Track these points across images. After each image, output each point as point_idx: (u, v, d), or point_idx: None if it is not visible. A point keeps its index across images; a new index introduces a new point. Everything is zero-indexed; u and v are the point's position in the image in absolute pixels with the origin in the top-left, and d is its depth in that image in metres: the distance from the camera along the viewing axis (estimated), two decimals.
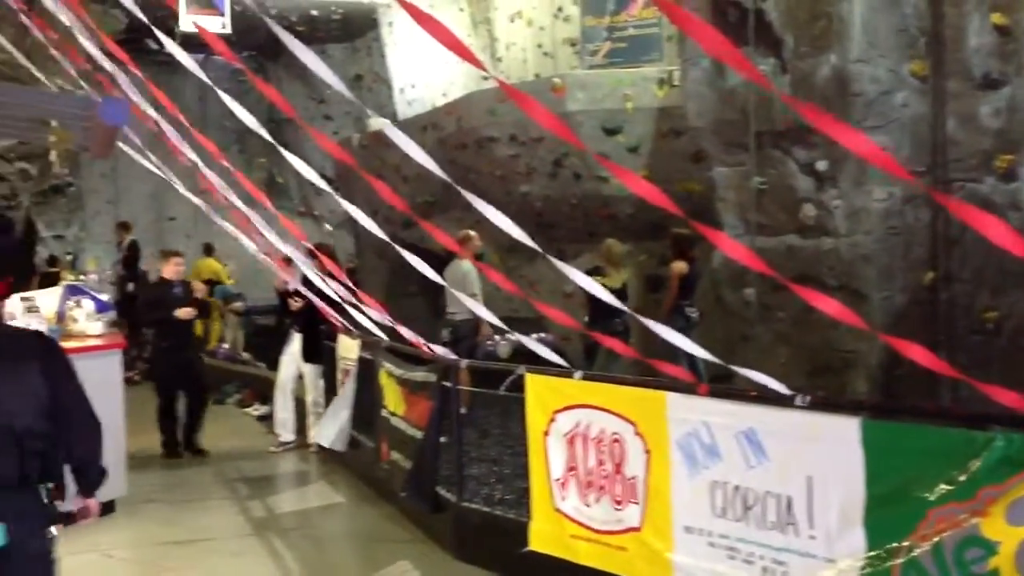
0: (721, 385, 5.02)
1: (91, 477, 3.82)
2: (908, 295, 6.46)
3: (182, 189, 9.28)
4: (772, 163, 7.00)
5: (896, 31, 6.64)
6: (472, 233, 9.26)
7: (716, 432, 4.50)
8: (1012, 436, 3.48)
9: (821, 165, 6.66)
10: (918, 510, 3.63)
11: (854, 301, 5.84)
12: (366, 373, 7.92)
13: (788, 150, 6.84)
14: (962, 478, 3.50)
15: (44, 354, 3.59)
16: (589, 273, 8.50)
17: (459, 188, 5.44)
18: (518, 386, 5.59)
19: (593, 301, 8.04)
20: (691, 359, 7.10)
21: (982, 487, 3.45)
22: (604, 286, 8.20)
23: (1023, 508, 3.37)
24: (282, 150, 7.39)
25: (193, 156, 8.12)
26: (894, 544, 3.71)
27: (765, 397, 4.44)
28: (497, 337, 9.39)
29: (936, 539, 3.56)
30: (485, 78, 14.02)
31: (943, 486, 3.55)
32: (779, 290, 6.76)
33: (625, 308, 5.42)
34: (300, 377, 9.42)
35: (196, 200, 9.20)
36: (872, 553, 3.81)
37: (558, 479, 5.33)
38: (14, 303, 6.89)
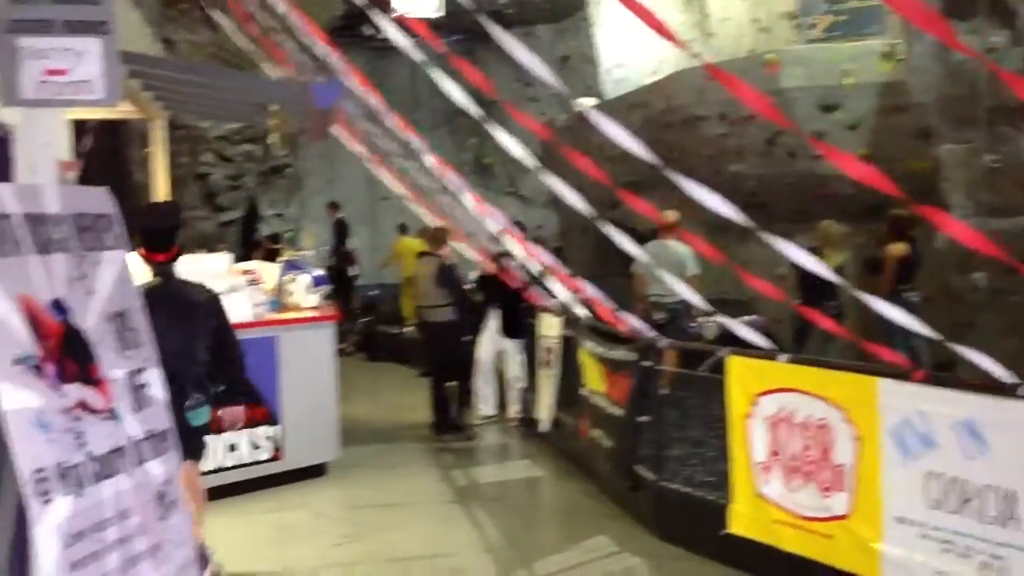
0: (940, 373, 4.79)
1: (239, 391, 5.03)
2: None
3: (386, 180, 9.62)
4: (1005, 140, 6.57)
5: None
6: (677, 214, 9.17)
7: (932, 421, 4.33)
8: None
9: None
10: None
11: None
12: (567, 351, 8.01)
13: (1021, 126, 6.41)
14: None
15: (210, 300, 4.59)
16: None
17: (665, 168, 5.42)
18: (722, 368, 5.52)
19: (806, 283, 7.82)
20: (910, 347, 6.78)
21: None
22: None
23: None
24: (488, 126, 7.56)
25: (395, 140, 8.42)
26: None
27: (986, 386, 4.23)
28: (703, 319, 9.27)
29: None
30: (695, 55, 13.86)
31: None
32: (1012, 273, 6.35)
33: (843, 283, 5.22)
34: (501, 353, 9.61)
35: (392, 184, 9.47)
36: None
37: (760, 463, 5.25)
38: (238, 276, 7.35)
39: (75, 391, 2.45)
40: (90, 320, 2.64)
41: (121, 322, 2.80)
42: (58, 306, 2.52)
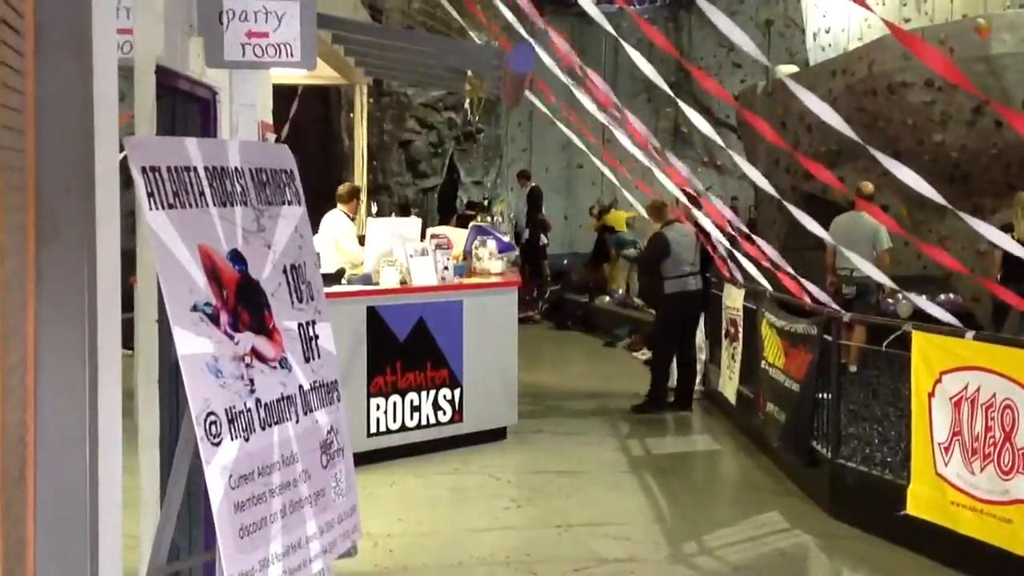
0: None
1: None
2: None
3: (576, 140, 9.69)
4: None
5: None
6: (871, 187, 8.86)
7: None
8: None
9: None
10: None
11: None
12: (749, 323, 7.92)
13: None
14: None
15: None
16: (1005, 229, 7.84)
17: (862, 142, 5.29)
18: (907, 344, 5.36)
19: (1007, 259, 7.43)
20: None
21: None
22: (1019, 241, 7.55)
23: None
24: (679, 101, 7.53)
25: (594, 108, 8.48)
26: None
27: None
28: (898, 295, 8.95)
29: None
30: (904, 19, 13.25)
31: None
32: None
33: None
34: None
35: (590, 154, 9.50)
36: None
37: (941, 443, 5.09)
38: (427, 240, 7.65)
39: (248, 339, 2.63)
40: (265, 272, 2.81)
41: (296, 275, 2.95)
42: (236, 257, 2.68)
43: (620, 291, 14.27)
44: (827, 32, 15.24)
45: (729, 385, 8.40)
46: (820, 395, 6.29)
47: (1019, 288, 6.93)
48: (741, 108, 9.49)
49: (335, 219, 8.20)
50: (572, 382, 10.33)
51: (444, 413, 7.25)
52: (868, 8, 5.20)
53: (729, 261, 8.45)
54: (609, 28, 7.51)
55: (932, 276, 10.48)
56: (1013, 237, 7.61)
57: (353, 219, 8.47)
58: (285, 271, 2.93)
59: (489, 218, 9.90)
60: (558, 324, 14.34)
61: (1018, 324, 7.73)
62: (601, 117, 9.19)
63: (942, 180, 9.24)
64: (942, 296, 10.29)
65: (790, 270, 6.81)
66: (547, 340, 13.06)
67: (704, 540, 5.64)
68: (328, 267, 6.92)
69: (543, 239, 15.20)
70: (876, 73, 11.14)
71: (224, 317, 2.57)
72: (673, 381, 8.96)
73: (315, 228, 7.15)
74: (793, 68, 13.44)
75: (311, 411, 2.89)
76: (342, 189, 8.56)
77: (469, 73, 8.24)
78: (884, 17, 13.38)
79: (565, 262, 17.37)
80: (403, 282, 7.14)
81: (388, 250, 7.29)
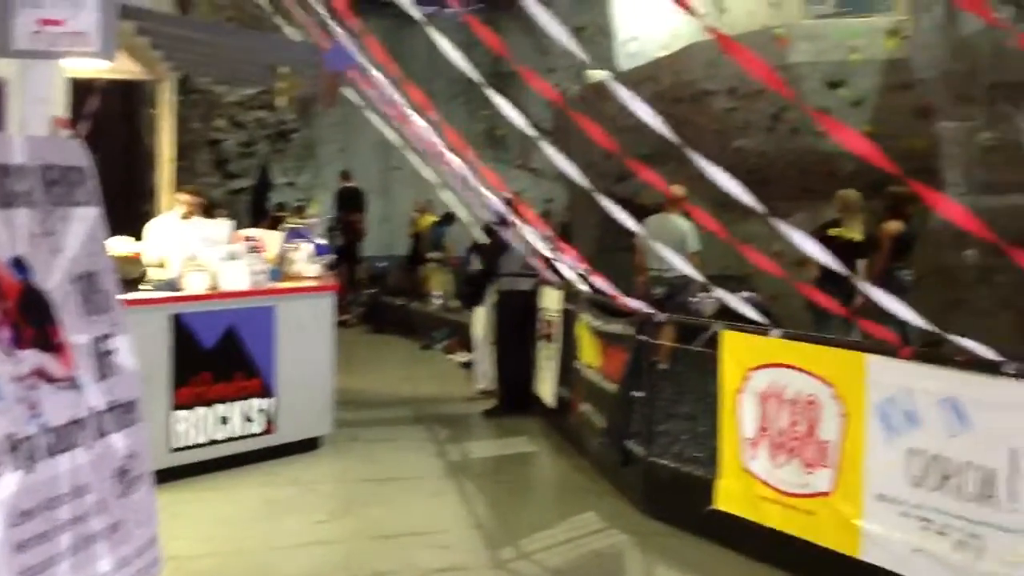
0: (927, 350, 4.78)
1: None
2: None
3: (392, 137, 9.55)
4: (1003, 118, 6.52)
5: None
6: (683, 190, 9.14)
7: (917, 398, 4.33)
8: None
9: None
10: None
11: None
12: (565, 324, 8.01)
13: (1021, 104, 6.35)
14: None
15: None
16: (828, 225, 8.27)
17: (683, 145, 5.39)
18: (716, 343, 5.51)
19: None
20: (901, 323, 6.74)
21: None
22: (844, 238, 7.99)
23: None
24: (493, 97, 7.52)
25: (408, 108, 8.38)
26: None
27: (972, 363, 4.22)
28: (702, 294, 9.25)
29: None
30: (702, 30, 13.74)
31: None
32: (1002, 252, 6.31)
33: (839, 268, 5.18)
34: None
35: (406, 151, 9.43)
36: None
37: (749, 438, 5.26)
38: (238, 243, 7.36)
39: (32, 357, 2.39)
40: (53, 280, 2.56)
41: (88, 284, 2.70)
42: (18, 264, 2.43)
43: (438, 294, 14.24)
44: (635, 40, 15.67)
45: (545, 386, 8.47)
46: (634, 394, 6.40)
47: (837, 287, 7.32)
48: (568, 108, 9.58)
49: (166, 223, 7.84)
50: (389, 387, 10.19)
51: (256, 424, 6.96)
52: (688, 11, 5.30)
53: (546, 263, 8.52)
54: (419, 19, 7.41)
55: (733, 275, 10.91)
56: (834, 235, 8.08)
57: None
58: (76, 279, 2.65)
59: (303, 220, 9.63)
60: (375, 328, 14.18)
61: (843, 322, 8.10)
62: (417, 118, 9.10)
63: (744, 184, 9.62)
64: (744, 293, 10.71)
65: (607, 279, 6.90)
66: (364, 344, 12.87)
67: (522, 544, 5.62)
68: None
69: (359, 241, 15.01)
70: (683, 81, 11.53)
71: (4, 333, 2.32)
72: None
73: (121, 232, 6.78)
74: (604, 74, 13.72)
75: (106, 435, 2.64)
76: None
77: (283, 70, 7.98)
78: (685, 27, 13.95)
79: (382, 264, 17.19)
80: (212, 288, 6.84)
81: (193, 254, 6.96)
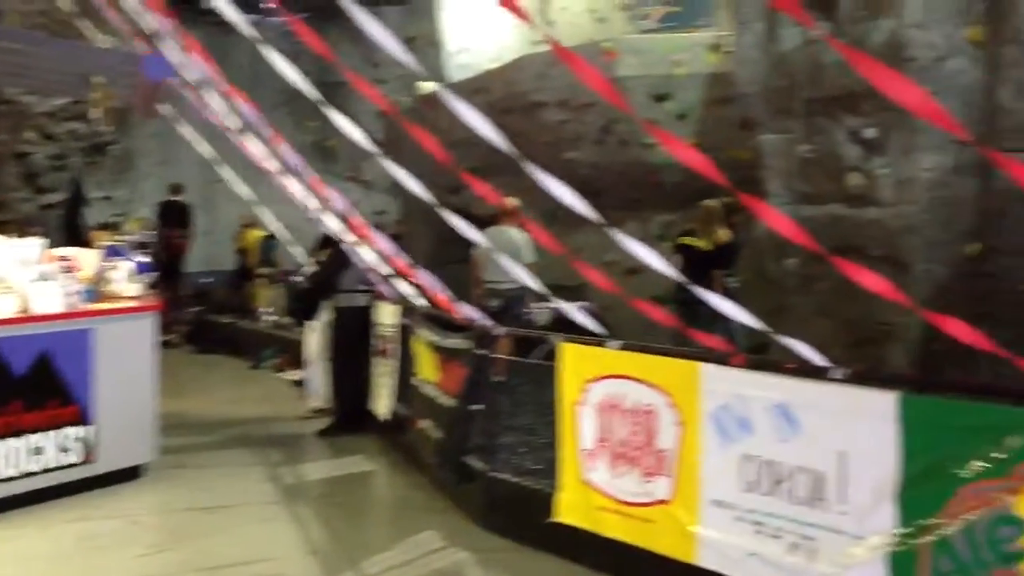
0: (757, 356, 4.91)
1: None
2: (951, 267, 6.27)
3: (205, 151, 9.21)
4: (820, 131, 6.80)
5: None
6: (517, 202, 9.17)
7: (750, 404, 4.40)
8: None
9: (869, 133, 6.46)
10: (951, 487, 3.53)
11: (896, 272, 5.66)
12: (402, 340, 7.89)
13: (837, 117, 6.65)
14: (998, 455, 3.38)
15: None
16: (683, 234, 8.47)
17: (517, 156, 5.36)
18: (556, 355, 5.50)
19: (687, 264, 7.97)
20: (728, 331, 6.95)
21: (1018, 464, 3.33)
22: (695, 247, 8.19)
23: None
24: (326, 109, 7.33)
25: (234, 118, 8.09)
26: (925, 522, 3.61)
27: (801, 369, 4.35)
28: (536, 304, 9.30)
29: (967, 517, 3.45)
30: (537, 42, 13.88)
31: (978, 463, 3.44)
32: (821, 260, 6.59)
33: (675, 274, 5.26)
34: None
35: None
36: (902, 530, 3.70)
37: (588, 450, 5.26)
38: (50, 263, 6.91)
39: None
40: None
41: None
42: None
43: (268, 310, 13.85)
44: (465, 52, 15.70)
45: (382, 403, 8.32)
46: (473, 408, 6.34)
47: (728, 272, 7.50)
48: (401, 119, 9.47)
49: None
50: (217, 409, 9.79)
51: (73, 454, 6.51)
52: (525, 20, 5.28)
53: (381, 278, 8.39)
54: (243, 30, 7.16)
55: (567, 286, 11.03)
56: (686, 243, 8.27)
57: None
58: None
59: (122, 236, 9.16)
60: (201, 347, 13.66)
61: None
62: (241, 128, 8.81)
63: (576, 197, 9.76)
64: (578, 304, 10.84)
65: (445, 292, 6.83)
66: (189, 365, 12.35)
67: (362, 567, 5.45)
68: None
69: (181, 257, 14.45)
70: (514, 92, 11.61)
71: None
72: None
73: None
74: (435, 85, 13.68)
75: None
76: None
77: (98, 80, 7.56)
78: (514, 39, 14.08)
79: (208, 281, 16.59)
80: (23, 311, 6.39)
81: (1, 275, 6.48)
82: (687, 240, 8.42)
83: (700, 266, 7.81)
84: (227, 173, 10.55)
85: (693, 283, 7.64)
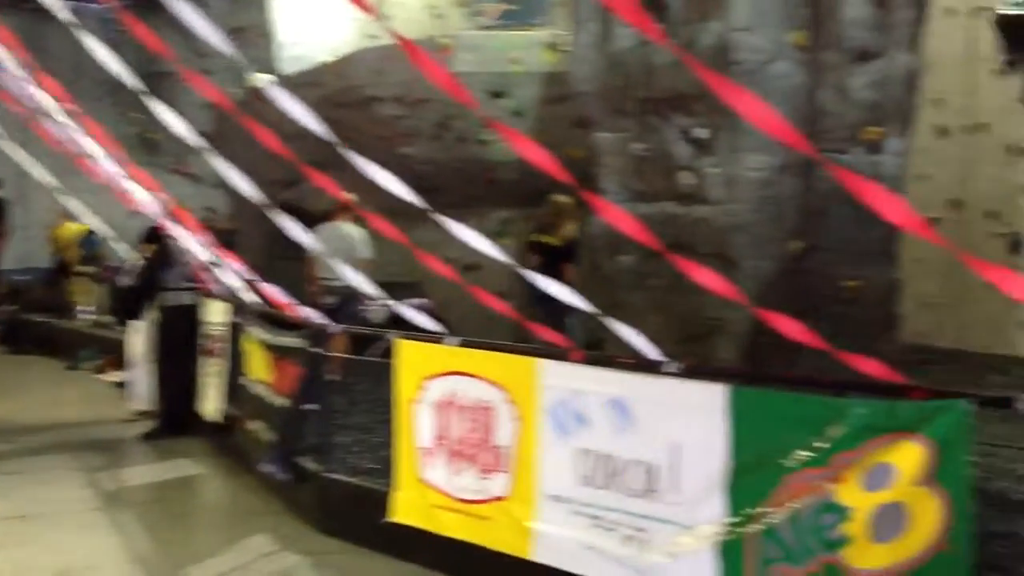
0: (594, 352, 4.96)
1: None
2: (776, 264, 6.52)
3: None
4: (653, 130, 6.95)
5: (779, 1, 6.61)
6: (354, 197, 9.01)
7: (586, 399, 4.43)
8: (870, 403, 3.50)
9: (700, 133, 6.64)
10: (777, 477, 3.63)
11: (725, 269, 5.82)
12: (232, 339, 7.63)
13: (669, 117, 6.81)
14: (821, 445, 3.50)
15: None
16: (536, 231, 8.49)
17: (346, 151, 5.25)
18: (393, 353, 5.41)
19: (541, 261, 8.02)
20: (565, 327, 7.04)
21: (838, 453, 3.47)
22: (546, 243, 8.25)
23: (877, 474, 3.39)
24: (149, 100, 7.01)
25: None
26: (753, 510, 3.71)
27: (635, 364, 4.40)
28: (370, 302, 9.17)
29: (793, 505, 3.57)
30: (372, 36, 13.71)
31: (803, 453, 3.55)
32: (654, 257, 6.73)
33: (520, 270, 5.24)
34: None
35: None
36: (731, 520, 3.79)
37: (425, 448, 5.19)
38: None
39: None
40: None
41: None
42: None
43: (87, 309, 13.21)
44: (297, 44, 15.37)
45: (211, 404, 8.03)
46: (307, 408, 6.18)
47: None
48: (233, 111, 9.15)
49: None
50: (32, 413, 9.24)
51: None
52: (367, 11, 5.17)
53: (210, 274, 8.09)
54: (61, 16, 6.79)
55: (403, 282, 10.95)
56: (538, 240, 8.30)
57: None
58: None
59: None
60: (15, 348, 12.92)
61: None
62: (60, 119, 8.35)
63: (412, 192, 9.71)
64: (416, 300, 10.78)
65: (277, 289, 6.64)
66: (2, 367, 11.64)
67: (189, 575, 5.24)
68: None
69: None
70: (349, 86, 11.41)
71: None
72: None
73: None
74: (268, 77, 13.34)
75: None
76: None
77: None
78: (349, 32, 13.87)
79: (23, 279, 15.66)
80: None
81: None
82: (540, 237, 8.48)
83: (553, 262, 7.90)
84: (34, 166, 10.00)
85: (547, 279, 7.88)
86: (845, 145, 6.38)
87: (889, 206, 3.59)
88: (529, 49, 10.33)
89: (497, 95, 10.21)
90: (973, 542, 3.27)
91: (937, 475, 3.29)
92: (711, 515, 3.87)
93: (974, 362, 10.19)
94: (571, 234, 8.39)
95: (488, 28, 11.60)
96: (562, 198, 8.48)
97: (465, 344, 5.16)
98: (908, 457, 3.33)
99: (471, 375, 4.98)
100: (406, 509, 5.22)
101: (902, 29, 6.58)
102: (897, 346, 6.95)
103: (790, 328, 4.05)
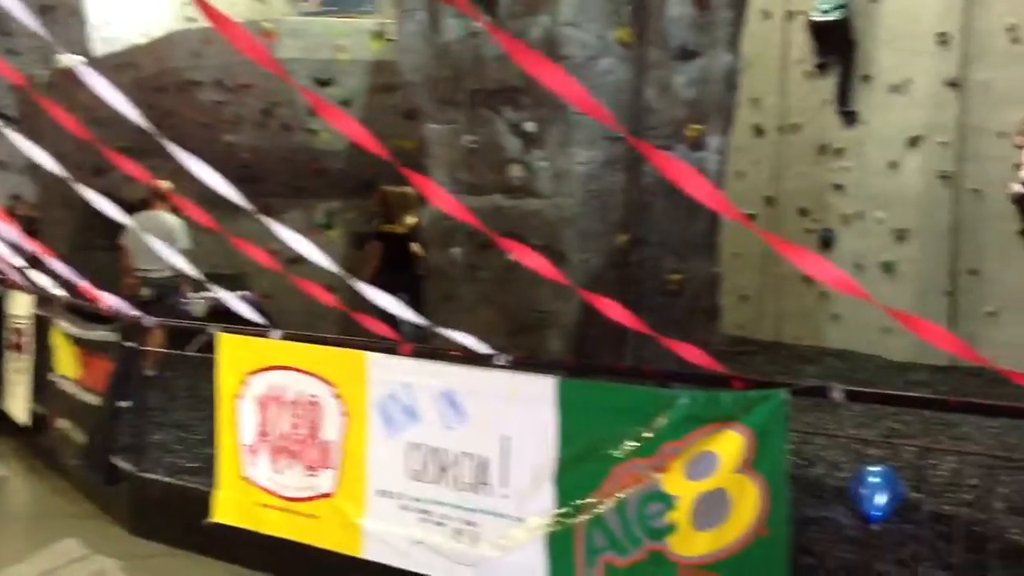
0: (424, 345, 4.91)
1: None
2: (604, 257, 6.62)
3: None
4: (482, 122, 6.93)
5: None
6: (170, 185, 8.65)
7: (416, 393, 4.39)
8: (694, 393, 3.59)
9: (529, 126, 6.67)
10: (606, 467, 3.68)
11: (555, 262, 5.86)
12: (39, 333, 7.20)
13: (498, 110, 6.80)
14: (647, 435, 3.57)
15: None
16: (382, 222, 8.38)
17: (162, 137, 5.00)
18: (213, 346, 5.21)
19: (386, 252, 8.15)
20: (397, 321, 6.97)
21: (664, 443, 3.54)
22: (394, 233, 8.14)
23: (701, 463, 3.48)
24: None
25: None
26: (581, 501, 3.75)
27: (466, 357, 4.39)
28: (192, 295, 8.85)
29: (620, 495, 3.62)
30: (189, 18, 13.23)
31: (630, 443, 3.61)
32: (484, 250, 6.75)
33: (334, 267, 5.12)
34: None
35: None
36: (560, 511, 3.82)
37: (249, 445, 5.03)
38: None
39: None
40: None
41: None
42: None
43: None
44: (110, 24, 14.72)
45: (16, 402, 7.56)
46: (121, 405, 5.89)
47: (395, 277, 7.45)
48: (34, 94, 8.62)
49: None
50: None
51: None
52: None
53: (10, 265, 7.61)
54: None
55: (225, 274, 10.62)
56: (386, 231, 8.18)
57: None
58: None
59: None
60: None
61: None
62: None
63: (234, 181, 9.43)
64: (237, 293, 10.47)
65: (86, 281, 6.30)
66: None
67: None
68: None
69: None
70: (166, 70, 10.96)
71: None
72: None
73: None
74: (78, 59, 12.68)
75: None
76: None
77: None
78: (165, 14, 13.36)
79: None
80: None
81: None
82: (385, 228, 8.42)
83: (400, 251, 8.00)
84: None
85: (397, 269, 7.91)
86: (670, 142, 6.55)
87: (715, 200, 3.68)
88: (355, 37, 10.20)
89: (323, 83, 10.01)
90: (790, 527, 3.40)
91: (756, 463, 3.40)
92: (541, 507, 3.90)
93: (789, 353, 10.70)
94: (412, 223, 8.37)
95: (312, 14, 11.40)
96: (399, 189, 8.42)
97: (289, 337, 5.03)
98: (729, 446, 3.43)
99: (296, 369, 4.86)
100: (229, 509, 5.05)
101: (722, 29, 6.79)
102: (719, 338, 7.19)
103: (616, 313, 4.12)
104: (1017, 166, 9.31)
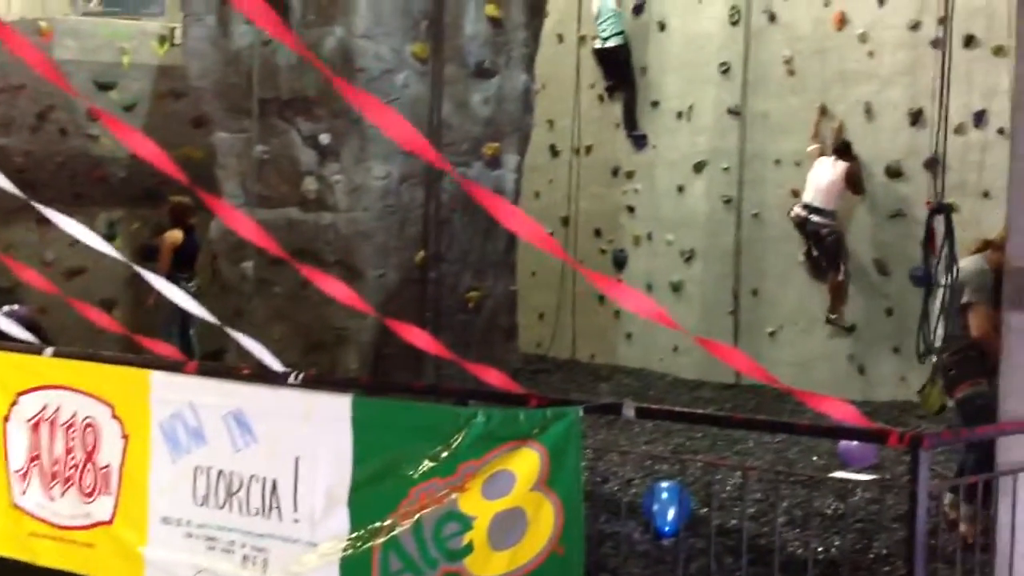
0: (212, 363, 4.72)
1: None
2: (401, 273, 6.62)
3: None
4: (275, 132, 6.81)
5: (401, 11, 6.71)
6: None
7: (203, 413, 4.19)
8: (491, 412, 3.58)
9: (324, 139, 6.59)
10: (402, 488, 3.62)
11: (350, 277, 5.81)
12: None
13: (292, 120, 6.70)
14: (444, 454, 3.54)
15: None
16: (157, 232, 8.01)
17: None
18: None
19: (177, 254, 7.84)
20: (184, 337, 6.73)
21: (463, 462, 3.52)
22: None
23: (497, 483, 3.48)
24: None
25: None
26: (377, 524, 3.67)
27: (257, 375, 4.24)
28: None
29: (417, 516, 3.58)
30: None
31: (427, 463, 3.57)
32: (277, 264, 6.61)
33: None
34: None
35: None
36: (354, 534, 3.73)
37: (19, 470, 4.68)
38: None
39: None
40: None
41: None
42: None
43: None
44: None
45: None
46: None
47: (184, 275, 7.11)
48: None
49: None
50: None
51: None
52: None
53: None
54: None
55: None
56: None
57: None
58: None
59: None
60: None
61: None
62: None
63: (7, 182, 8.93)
64: (6, 308, 9.84)
65: None
66: None
67: None
68: None
69: None
70: None
71: None
72: None
73: None
74: None
75: None
76: None
77: None
78: None
79: None
80: None
81: None
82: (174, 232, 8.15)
83: (186, 259, 7.75)
84: None
85: (180, 276, 7.71)
86: (468, 159, 6.61)
87: (514, 219, 3.70)
88: (139, 39, 9.87)
89: (105, 87, 9.61)
90: (585, 544, 3.44)
91: (551, 480, 3.42)
92: (335, 531, 3.79)
93: (585, 371, 10.93)
94: (175, 239, 8.14)
95: (92, 14, 10.92)
96: (186, 199, 8.13)
97: (62, 355, 4.72)
98: (526, 464, 3.43)
99: (71, 388, 4.56)
100: None
101: (517, 49, 6.91)
102: (516, 355, 7.29)
103: (416, 337, 4.08)
104: (794, 193, 9.87)
